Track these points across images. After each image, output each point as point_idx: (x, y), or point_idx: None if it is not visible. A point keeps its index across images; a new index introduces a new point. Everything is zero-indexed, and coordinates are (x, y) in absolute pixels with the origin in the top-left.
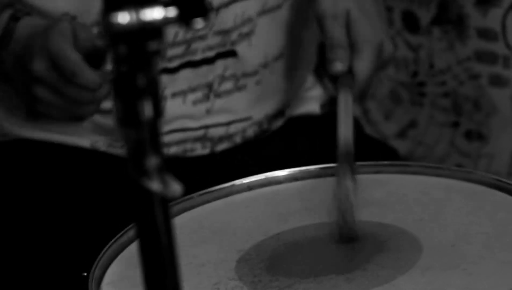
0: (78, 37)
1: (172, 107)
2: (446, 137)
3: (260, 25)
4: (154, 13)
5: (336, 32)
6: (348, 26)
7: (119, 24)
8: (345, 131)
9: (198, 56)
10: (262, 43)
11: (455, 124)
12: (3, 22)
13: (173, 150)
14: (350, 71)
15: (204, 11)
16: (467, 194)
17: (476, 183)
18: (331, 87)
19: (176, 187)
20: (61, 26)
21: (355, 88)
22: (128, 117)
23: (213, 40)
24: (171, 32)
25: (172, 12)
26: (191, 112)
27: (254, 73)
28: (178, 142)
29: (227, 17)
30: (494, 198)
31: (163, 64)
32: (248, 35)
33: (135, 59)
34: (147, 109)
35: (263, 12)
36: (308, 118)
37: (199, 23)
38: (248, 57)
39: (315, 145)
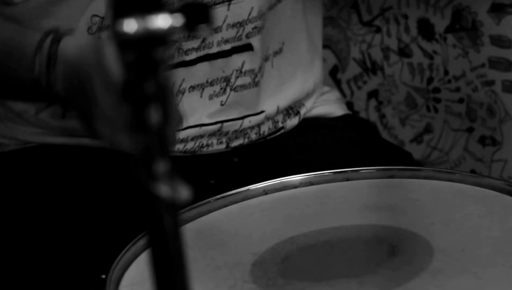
0: None
1: (189, 101)
2: (460, 142)
3: (268, 19)
4: (161, 21)
5: None
6: None
7: (126, 32)
8: None
9: (214, 49)
10: (267, 37)
11: (469, 130)
12: (47, 46)
13: (189, 145)
14: None
15: (208, 18)
16: (478, 199)
17: (487, 188)
18: None
19: (184, 192)
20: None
21: None
22: (136, 123)
23: (228, 33)
24: None
25: (178, 19)
26: (207, 106)
27: (262, 66)
28: (194, 138)
29: (241, 10)
30: (505, 203)
31: (180, 58)
32: (261, 29)
33: (143, 66)
34: (155, 115)
35: (270, 7)
36: (324, 120)
37: (203, 29)
38: (259, 51)
39: (330, 147)
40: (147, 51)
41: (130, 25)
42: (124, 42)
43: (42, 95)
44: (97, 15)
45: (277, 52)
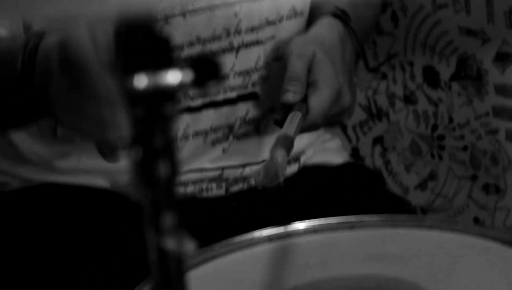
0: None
1: (192, 146)
2: (464, 189)
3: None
4: (171, 77)
5: (297, 67)
6: (311, 66)
7: (136, 88)
8: (287, 130)
9: (220, 97)
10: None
11: (473, 177)
12: (30, 44)
13: (189, 189)
14: (304, 103)
15: (218, 74)
16: (481, 250)
17: (490, 239)
18: (281, 115)
19: (190, 246)
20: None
21: (306, 118)
22: (145, 177)
23: (234, 81)
24: None
25: (188, 75)
26: (209, 152)
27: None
28: (194, 182)
29: (248, 59)
30: (508, 255)
31: (186, 103)
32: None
33: (152, 121)
34: (164, 170)
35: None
36: (324, 168)
37: (213, 85)
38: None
39: (329, 195)
40: (156, 107)
41: (140, 81)
42: (134, 98)
43: (27, 95)
44: None
45: None
